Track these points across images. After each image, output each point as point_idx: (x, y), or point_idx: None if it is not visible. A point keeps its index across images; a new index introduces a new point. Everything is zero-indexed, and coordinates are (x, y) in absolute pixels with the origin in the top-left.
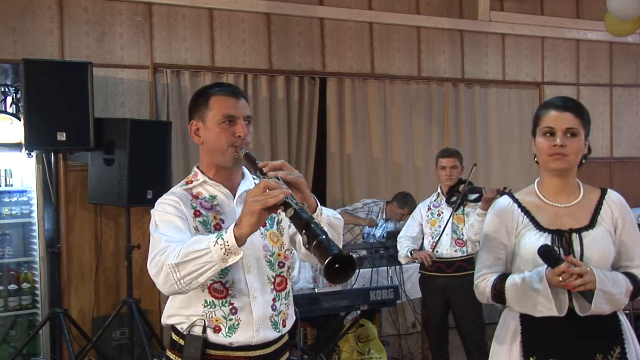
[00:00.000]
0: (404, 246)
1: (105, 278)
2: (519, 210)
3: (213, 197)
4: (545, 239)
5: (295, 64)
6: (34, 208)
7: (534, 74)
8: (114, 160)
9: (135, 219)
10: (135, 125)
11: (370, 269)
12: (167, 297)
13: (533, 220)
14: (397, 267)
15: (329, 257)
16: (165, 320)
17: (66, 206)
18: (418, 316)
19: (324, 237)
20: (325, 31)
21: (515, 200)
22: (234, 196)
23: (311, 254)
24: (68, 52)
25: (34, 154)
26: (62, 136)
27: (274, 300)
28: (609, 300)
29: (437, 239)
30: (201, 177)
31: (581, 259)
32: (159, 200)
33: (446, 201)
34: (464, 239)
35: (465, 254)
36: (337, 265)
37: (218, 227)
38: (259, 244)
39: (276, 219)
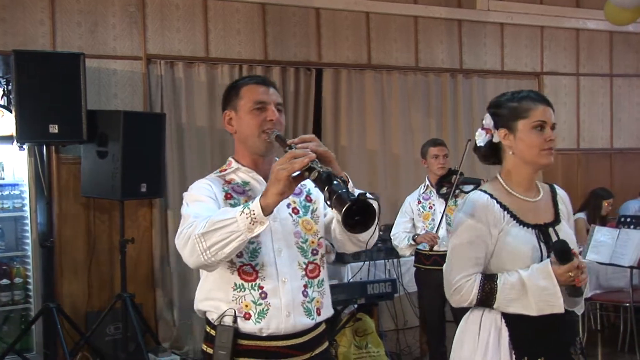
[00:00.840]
0: (402, 238)
1: (99, 272)
2: (498, 205)
3: (245, 183)
4: (531, 235)
5: (290, 55)
6: (26, 202)
7: (533, 64)
8: (107, 152)
9: (129, 212)
10: (129, 117)
11: (367, 262)
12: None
13: (513, 215)
14: (395, 260)
15: (346, 205)
16: (197, 305)
17: (59, 200)
18: (416, 310)
19: (344, 190)
20: (321, 21)
21: (491, 196)
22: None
23: (340, 234)
24: (60, 43)
25: (25, 146)
26: (54, 128)
27: (305, 286)
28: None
29: (433, 232)
30: (234, 165)
31: None
32: (191, 186)
33: (437, 192)
34: None
35: None
36: (357, 218)
37: None
38: (290, 230)
39: (311, 207)
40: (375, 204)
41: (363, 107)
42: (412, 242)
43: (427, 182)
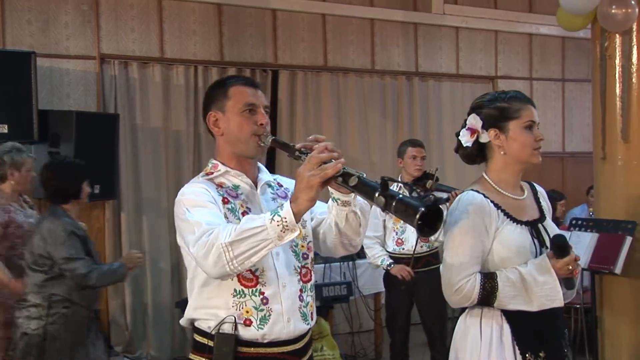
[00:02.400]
0: (376, 254)
1: None
2: (492, 204)
3: (236, 187)
4: (525, 232)
5: (247, 56)
6: None
7: (487, 68)
8: (59, 153)
9: (82, 214)
10: (82, 117)
11: (322, 265)
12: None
13: (508, 214)
14: (350, 262)
15: (420, 211)
16: (191, 313)
17: None
18: (371, 312)
19: (401, 195)
20: (278, 23)
21: (484, 196)
22: (257, 187)
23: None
24: (10, 41)
25: None
26: (3, 128)
27: (300, 291)
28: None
29: (402, 235)
30: (222, 168)
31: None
32: (184, 191)
33: (409, 194)
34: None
35: (430, 249)
36: (420, 222)
37: (246, 215)
38: None
39: None
40: (443, 208)
41: (319, 109)
42: (386, 269)
43: (400, 183)
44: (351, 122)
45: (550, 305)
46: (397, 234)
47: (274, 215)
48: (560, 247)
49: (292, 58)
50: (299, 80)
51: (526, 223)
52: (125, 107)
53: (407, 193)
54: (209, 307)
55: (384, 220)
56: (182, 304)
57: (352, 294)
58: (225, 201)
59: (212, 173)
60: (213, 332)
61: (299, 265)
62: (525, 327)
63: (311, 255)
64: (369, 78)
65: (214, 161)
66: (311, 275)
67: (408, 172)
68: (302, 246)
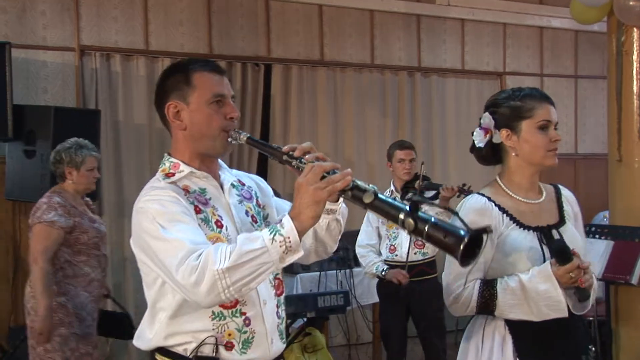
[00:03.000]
0: (371, 261)
1: (25, 284)
2: (497, 209)
3: (203, 191)
4: (532, 238)
5: (237, 49)
6: None
7: (495, 63)
8: (35, 152)
9: None
10: (60, 113)
11: (317, 273)
12: None
13: (513, 218)
14: (347, 270)
15: (464, 240)
16: (163, 341)
17: None
18: (369, 324)
19: (434, 218)
20: (271, 14)
21: (489, 199)
22: (223, 190)
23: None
24: None
25: None
26: None
27: (277, 306)
28: (593, 296)
29: (394, 241)
30: (185, 168)
31: None
32: (148, 199)
33: (401, 198)
34: (422, 241)
35: (426, 257)
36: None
37: (219, 225)
38: None
39: (262, 214)
40: (484, 235)
41: (315, 106)
42: (381, 276)
43: (392, 187)
44: (349, 120)
45: (553, 316)
46: (390, 240)
47: (275, 235)
48: (559, 253)
49: (286, 51)
50: (293, 76)
51: (536, 229)
52: (107, 103)
53: (398, 198)
54: (184, 332)
55: (377, 228)
56: None
57: (349, 304)
58: (197, 210)
59: (174, 174)
60: (191, 356)
61: (273, 276)
62: (530, 339)
63: None
64: (368, 73)
65: (173, 159)
66: (283, 287)
67: (397, 176)
68: None
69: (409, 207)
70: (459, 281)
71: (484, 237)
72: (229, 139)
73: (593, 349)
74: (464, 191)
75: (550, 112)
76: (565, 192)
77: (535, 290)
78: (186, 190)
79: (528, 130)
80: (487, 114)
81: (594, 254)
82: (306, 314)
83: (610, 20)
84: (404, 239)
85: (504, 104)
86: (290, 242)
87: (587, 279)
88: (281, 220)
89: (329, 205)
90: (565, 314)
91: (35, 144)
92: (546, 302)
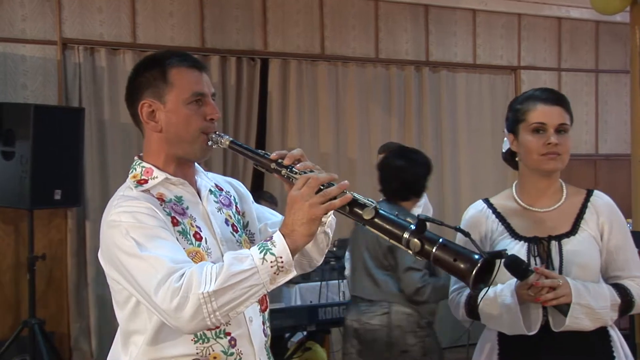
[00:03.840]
0: None
1: (2, 294)
2: (494, 216)
3: (179, 199)
4: (520, 248)
5: (232, 42)
6: None
7: (509, 57)
8: (14, 153)
9: (39, 223)
10: (41, 111)
11: (318, 283)
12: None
13: (508, 227)
14: None
15: (478, 264)
16: None
17: None
18: None
19: (443, 239)
20: (268, 4)
21: (490, 206)
22: (200, 197)
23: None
24: None
25: None
26: None
27: (262, 323)
28: (589, 314)
29: None
30: (159, 174)
31: (560, 269)
32: (120, 210)
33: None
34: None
35: None
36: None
37: (198, 238)
38: None
39: (242, 222)
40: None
41: (315, 104)
42: None
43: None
44: (351, 118)
45: (517, 332)
46: None
47: (265, 254)
48: (511, 270)
49: (284, 45)
50: (292, 71)
51: (529, 239)
52: (91, 100)
53: None
54: (166, 357)
55: None
56: None
57: None
58: (174, 222)
59: (146, 181)
60: None
61: None
62: (515, 351)
63: None
64: (372, 68)
65: (145, 164)
66: (267, 302)
67: None
68: None
69: (415, 225)
70: (453, 287)
71: (497, 262)
72: (209, 142)
73: None
74: None
75: (546, 114)
76: (597, 200)
77: (502, 304)
78: (161, 200)
79: (523, 133)
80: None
81: None
82: (306, 327)
83: (634, 10)
84: None
85: (511, 108)
86: (282, 262)
87: (548, 298)
88: (272, 237)
89: None
90: (524, 332)
91: (14, 144)
92: (508, 317)
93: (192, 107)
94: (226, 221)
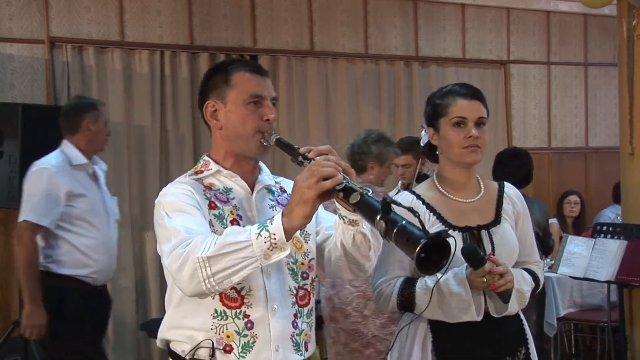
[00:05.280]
0: None
1: None
2: (424, 207)
3: (228, 190)
4: (458, 238)
5: (221, 40)
6: None
7: (498, 51)
8: (2, 153)
9: None
10: (29, 111)
11: None
12: None
13: (440, 217)
14: None
15: (421, 243)
16: (164, 333)
17: None
18: None
19: (404, 222)
20: (256, 1)
21: (418, 197)
22: (253, 191)
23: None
24: None
25: None
26: None
27: (295, 316)
28: (519, 299)
29: None
30: (214, 167)
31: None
32: (165, 191)
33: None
34: None
35: None
36: (422, 255)
37: (235, 224)
38: None
39: None
40: (451, 242)
41: (305, 100)
42: None
43: (399, 188)
44: (341, 114)
45: (465, 319)
46: None
47: (262, 230)
48: (468, 258)
49: (273, 41)
50: (281, 67)
51: (463, 229)
52: None
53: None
54: (184, 327)
55: None
56: (147, 325)
57: None
58: (212, 206)
59: (202, 172)
60: (187, 357)
61: (296, 285)
62: (449, 339)
63: (312, 275)
64: (362, 64)
65: (207, 158)
66: (310, 299)
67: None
68: (303, 264)
69: (381, 207)
70: (383, 277)
71: (451, 245)
72: (263, 141)
73: (525, 350)
74: None
75: (466, 108)
76: (510, 191)
77: (449, 292)
78: (209, 188)
79: (444, 127)
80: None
81: (606, 255)
82: None
83: (621, 3)
84: None
85: (429, 103)
86: (275, 238)
87: (500, 284)
88: (273, 217)
89: (349, 216)
90: (476, 318)
91: (2, 144)
92: (457, 305)
93: (249, 108)
94: None
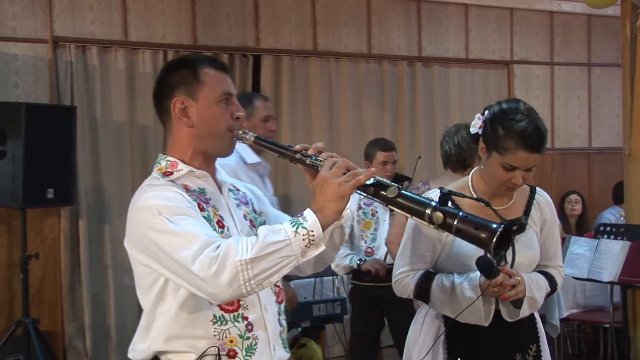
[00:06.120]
0: (341, 253)
1: None
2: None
3: (203, 190)
4: None
5: (224, 39)
6: None
7: (501, 51)
8: (5, 152)
9: (32, 222)
10: (32, 110)
11: (312, 279)
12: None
13: None
14: (345, 276)
15: (498, 232)
16: (160, 345)
17: None
18: None
19: (463, 212)
20: (260, 1)
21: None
22: (221, 191)
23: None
24: None
25: None
26: None
27: (278, 313)
28: (532, 305)
29: (372, 244)
30: (184, 167)
31: (512, 263)
32: (149, 195)
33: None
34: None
35: None
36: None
37: (221, 225)
38: None
39: (259, 220)
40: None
41: (308, 100)
42: (355, 267)
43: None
44: (344, 114)
45: (474, 322)
46: (366, 242)
47: (298, 227)
48: (482, 270)
49: (277, 41)
50: (284, 67)
51: None
52: (83, 99)
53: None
54: (186, 336)
55: (352, 226)
56: None
57: (347, 312)
58: (200, 208)
59: (172, 173)
60: None
61: (274, 284)
62: (461, 334)
63: None
64: (365, 64)
65: (170, 158)
66: (283, 295)
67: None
68: None
69: (439, 199)
70: (404, 268)
71: (514, 228)
72: (234, 139)
73: (535, 347)
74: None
75: (522, 161)
76: (540, 197)
77: (462, 295)
78: (186, 189)
79: (495, 159)
80: (485, 115)
81: (610, 256)
82: (300, 324)
83: (624, 3)
84: (382, 241)
85: (495, 122)
86: (313, 235)
87: (511, 295)
88: (302, 214)
89: None
90: (483, 324)
91: (6, 143)
92: (468, 308)
93: (221, 105)
94: (244, 216)
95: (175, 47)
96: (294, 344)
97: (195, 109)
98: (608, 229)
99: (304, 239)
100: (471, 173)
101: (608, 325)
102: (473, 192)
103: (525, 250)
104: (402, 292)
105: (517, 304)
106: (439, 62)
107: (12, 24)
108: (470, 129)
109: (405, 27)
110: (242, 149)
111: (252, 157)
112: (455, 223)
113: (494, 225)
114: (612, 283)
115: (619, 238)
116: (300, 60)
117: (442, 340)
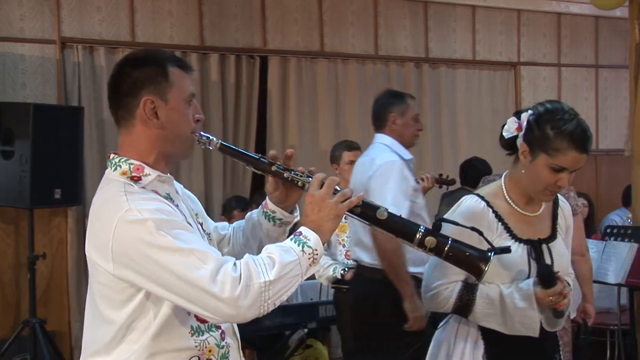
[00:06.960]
0: (324, 264)
1: (3, 294)
2: (493, 215)
3: (168, 196)
4: (522, 250)
5: (231, 40)
6: None
7: (508, 53)
8: (13, 152)
9: (40, 223)
10: (40, 110)
11: (317, 280)
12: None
13: (507, 228)
14: None
15: (489, 259)
16: None
17: None
18: None
19: (451, 238)
20: (267, 2)
21: (487, 204)
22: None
23: None
24: None
25: None
26: None
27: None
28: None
29: (350, 247)
30: (151, 172)
31: None
32: (139, 207)
33: None
34: None
35: None
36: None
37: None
38: None
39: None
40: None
41: (314, 101)
42: (339, 277)
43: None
44: (351, 116)
45: (524, 333)
46: (344, 246)
47: (303, 247)
48: (544, 279)
49: (284, 42)
50: (291, 68)
51: (527, 242)
52: (90, 99)
53: None
54: (168, 351)
55: None
56: None
57: None
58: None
59: (140, 178)
60: None
61: None
62: (501, 346)
63: None
64: (372, 65)
65: (133, 161)
66: None
67: (345, 179)
68: None
69: (433, 226)
70: (441, 280)
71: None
72: (197, 142)
73: (558, 356)
74: (444, 181)
75: (572, 161)
76: (563, 205)
77: (513, 306)
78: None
79: (541, 161)
80: (530, 112)
81: (617, 258)
82: (306, 325)
83: (632, 4)
84: None
85: (542, 124)
86: (317, 254)
87: (565, 304)
88: (301, 232)
89: (286, 218)
90: (536, 335)
91: (13, 144)
92: (521, 320)
93: (187, 107)
94: (201, 224)
95: (182, 48)
96: (300, 345)
97: (165, 110)
98: (615, 230)
99: (309, 258)
100: (503, 176)
101: (615, 327)
102: (507, 197)
103: (561, 256)
104: (439, 306)
105: (559, 313)
106: (446, 63)
107: (20, 25)
108: (504, 134)
109: (412, 28)
110: (394, 146)
111: (407, 154)
112: (446, 247)
113: (486, 253)
114: (619, 285)
115: (627, 240)
116: (307, 61)
117: (481, 352)
